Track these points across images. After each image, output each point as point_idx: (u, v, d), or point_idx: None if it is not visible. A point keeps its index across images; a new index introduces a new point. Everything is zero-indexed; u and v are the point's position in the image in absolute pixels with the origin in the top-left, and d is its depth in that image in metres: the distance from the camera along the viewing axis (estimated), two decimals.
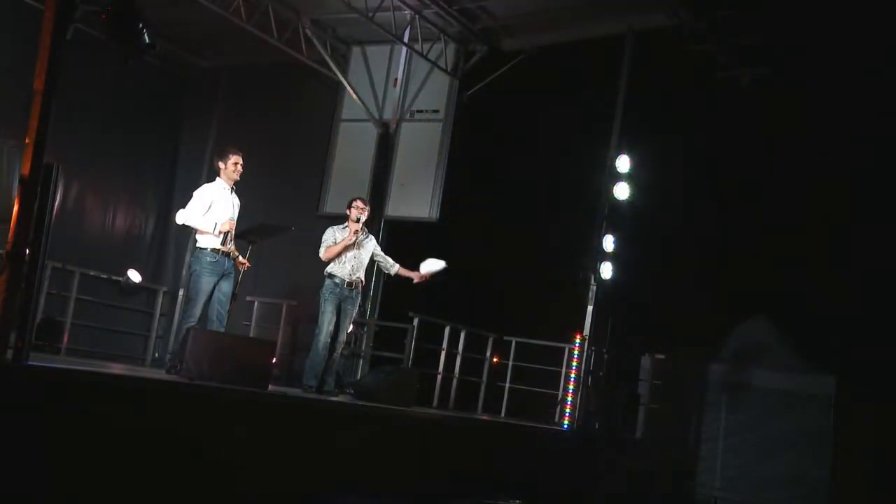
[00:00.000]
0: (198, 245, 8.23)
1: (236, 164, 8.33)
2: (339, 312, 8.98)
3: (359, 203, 9.21)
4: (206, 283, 8.09)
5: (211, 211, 8.18)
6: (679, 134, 11.23)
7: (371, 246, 9.33)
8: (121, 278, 12.35)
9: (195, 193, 8.33)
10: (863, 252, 11.18)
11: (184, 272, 12.37)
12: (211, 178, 8.56)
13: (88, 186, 12.34)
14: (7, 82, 10.04)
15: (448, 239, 12.05)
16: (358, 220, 9.08)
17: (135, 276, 12.41)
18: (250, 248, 8.60)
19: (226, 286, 8.21)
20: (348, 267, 9.05)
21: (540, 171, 12.67)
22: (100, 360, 10.29)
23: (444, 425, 8.85)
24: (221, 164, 8.34)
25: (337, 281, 8.99)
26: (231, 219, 8.21)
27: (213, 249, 8.12)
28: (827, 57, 10.94)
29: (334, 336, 8.95)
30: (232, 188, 8.38)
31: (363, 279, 9.28)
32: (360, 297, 9.33)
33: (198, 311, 8.12)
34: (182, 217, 8.26)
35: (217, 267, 8.13)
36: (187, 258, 11.71)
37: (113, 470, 5.55)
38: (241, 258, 8.37)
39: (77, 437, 5.36)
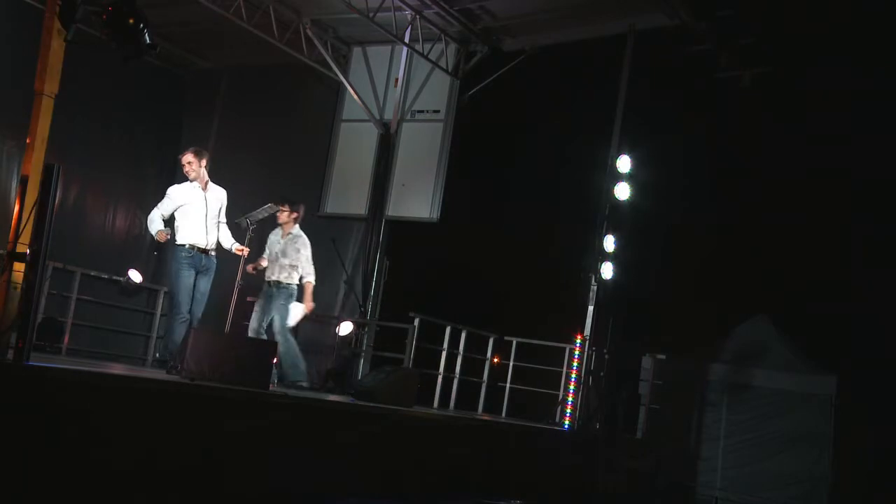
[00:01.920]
0: (175, 242, 8.60)
1: (185, 163, 8.73)
2: (266, 309, 9.60)
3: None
4: (186, 276, 8.48)
5: (180, 209, 8.63)
6: (679, 134, 11.24)
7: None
8: (121, 278, 12.34)
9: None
10: (863, 252, 11.20)
11: None
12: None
13: (88, 186, 12.34)
14: (7, 82, 10.05)
15: (448, 239, 12.07)
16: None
17: (135, 276, 12.40)
18: (250, 234, 8.85)
19: (203, 284, 8.60)
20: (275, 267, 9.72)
21: (540, 171, 12.69)
22: (100, 360, 10.30)
23: (444, 425, 8.85)
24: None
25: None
26: (161, 230, 8.59)
27: (190, 246, 8.53)
28: (827, 56, 10.96)
29: (269, 329, 9.54)
30: (203, 186, 8.75)
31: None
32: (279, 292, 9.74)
33: (184, 306, 8.48)
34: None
35: (193, 261, 8.52)
36: None
37: (113, 470, 5.56)
38: (237, 245, 8.84)
39: (77, 437, 5.36)
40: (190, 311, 8.55)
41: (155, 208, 8.78)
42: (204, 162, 8.76)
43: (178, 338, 8.37)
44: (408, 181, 12.00)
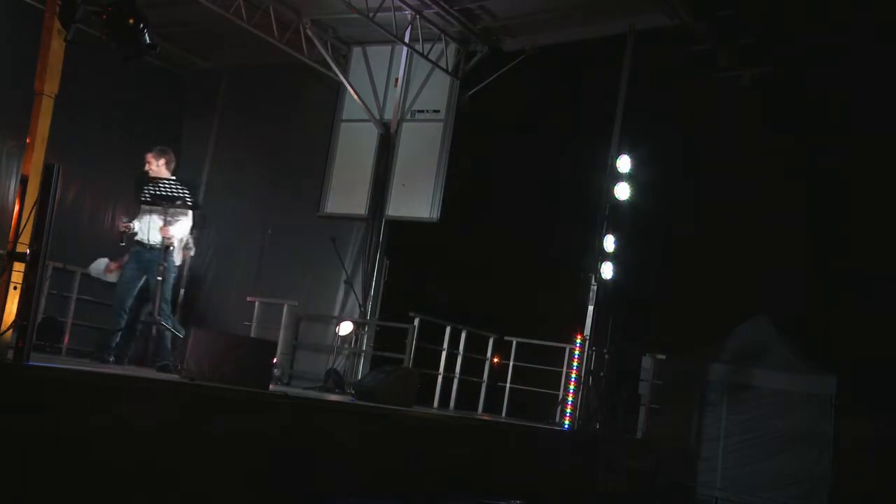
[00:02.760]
0: None
1: (146, 161, 8.91)
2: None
3: None
4: (125, 269, 8.79)
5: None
6: (679, 134, 11.24)
7: None
8: None
9: None
10: (863, 252, 11.19)
11: None
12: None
13: (88, 186, 12.34)
14: (7, 82, 10.05)
15: (448, 239, 12.07)
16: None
17: None
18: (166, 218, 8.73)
19: (152, 281, 8.63)
20: None
21: (540, 171, 12.67)
22: (100, 360, 10.27)
23: (444, 425, 8.85)
24: None
25: None
26: (122, 220, 8.92)
27: (137, 241, 8.74)
28: (827, 56, 10.96)
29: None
30: None
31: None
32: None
33: (115, 297, 8.77)
34: None
35: (138, 256, 8.70)
36: None
37: (113, 470, 5.56)
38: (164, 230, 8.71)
39: (77, 436, 5.36)
40: (131, 308, 8.74)
41: None
42: (163, 161, 8.87)
43: (112, 328, 8.73)
44: (408, 181, 12.00)
